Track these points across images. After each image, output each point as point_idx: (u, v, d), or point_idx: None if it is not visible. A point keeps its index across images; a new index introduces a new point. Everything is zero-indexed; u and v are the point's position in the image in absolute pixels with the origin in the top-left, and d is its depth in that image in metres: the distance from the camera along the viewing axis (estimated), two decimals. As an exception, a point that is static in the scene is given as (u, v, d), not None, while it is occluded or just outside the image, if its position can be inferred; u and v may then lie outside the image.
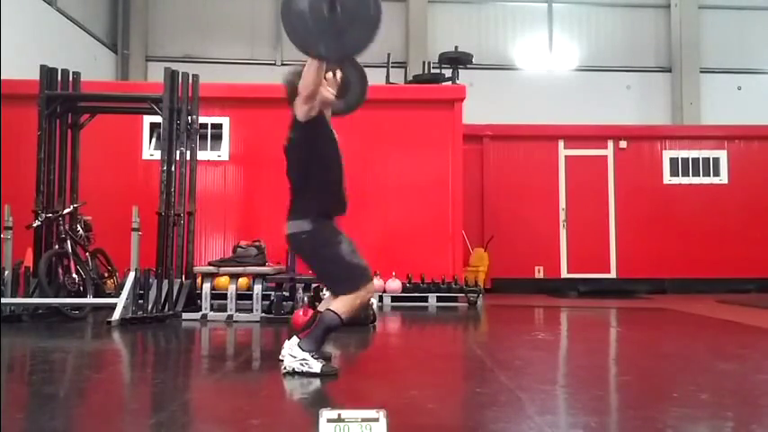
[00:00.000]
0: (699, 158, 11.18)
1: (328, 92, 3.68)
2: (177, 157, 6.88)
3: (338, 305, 3.62)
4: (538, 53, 14.89)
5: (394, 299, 8.32)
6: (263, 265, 6.70)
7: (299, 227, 3.69)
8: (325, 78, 3.63)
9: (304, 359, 3.57)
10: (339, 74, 3.82)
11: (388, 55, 11.56)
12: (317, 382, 3.44)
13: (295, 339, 3.63)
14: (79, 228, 6.85)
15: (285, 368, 3.60)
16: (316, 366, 3.55)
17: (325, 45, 3.27)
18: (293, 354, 3.60)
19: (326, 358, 3.75)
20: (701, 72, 14.64)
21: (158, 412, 3.03)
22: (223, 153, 8.66)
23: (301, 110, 3.63)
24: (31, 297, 6.34)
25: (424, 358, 4.65)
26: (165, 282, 6.51)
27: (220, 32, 14.37)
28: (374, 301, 6.80)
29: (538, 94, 14.07)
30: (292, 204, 3.81)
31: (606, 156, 11.16)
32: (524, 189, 10.87)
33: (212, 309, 6.59)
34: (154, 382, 3.64)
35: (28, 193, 6.76)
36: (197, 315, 6.50)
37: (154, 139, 8.60)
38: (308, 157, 3.74)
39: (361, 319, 5.86)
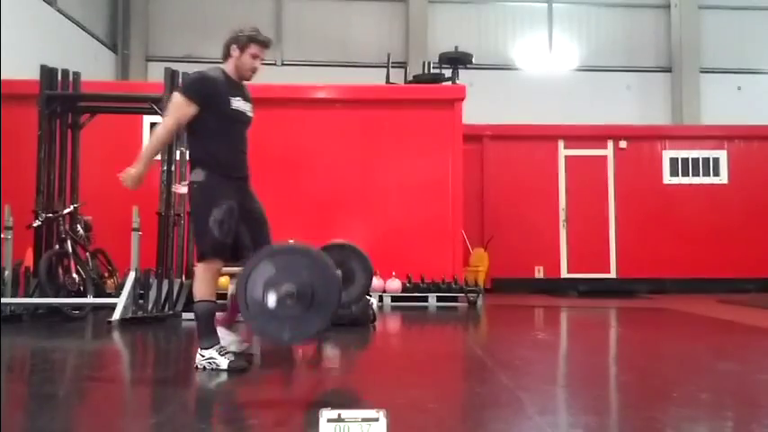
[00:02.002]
0: (699, 158, 11.18)
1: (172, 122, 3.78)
2: (177, 158, 6.87)
3: (195, 291, 3.78)
4: (538, 53, 14.90)
5: (394, 299, 8.31)
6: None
7: (194, 176, 3.80)
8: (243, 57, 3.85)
9: (211, 357, 3.68)
10: (257, 63, 3.92)
11: (388, 55, 11.56)
12: (317, 382, 3.44)
13: None
14: (79, 228, 6.84)
15: (196, 365, 3.73)
16: (223, 363, 3.65)
17: (290, 332, 3.17)
18: (201, 353, 3.72)
19: (248, 355, 3.89)
20: (701, 72, 14.65)
21: (158, 412, 3.03)
22: (223, 153, 8.65)
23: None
24: (31, 297, 6.34)
25: (424, 358, 4.65)
26: (165, 282, 6.51)
27: (220, 32, 14.13)
28: (374, 301, 6.80)
29: (538, 94, 14.07)
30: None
31: (606, 156, 11.16)
32: (524, 189, 10.87)
33: (212, 309, 6.57)
34: (154, 382, 3.64)
35: (28, 193, 6.76)
36: (197, 315, 6.49)
37: (154, 139, 8.58)
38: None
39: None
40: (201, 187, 3.73)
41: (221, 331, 3.87)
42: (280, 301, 2.96)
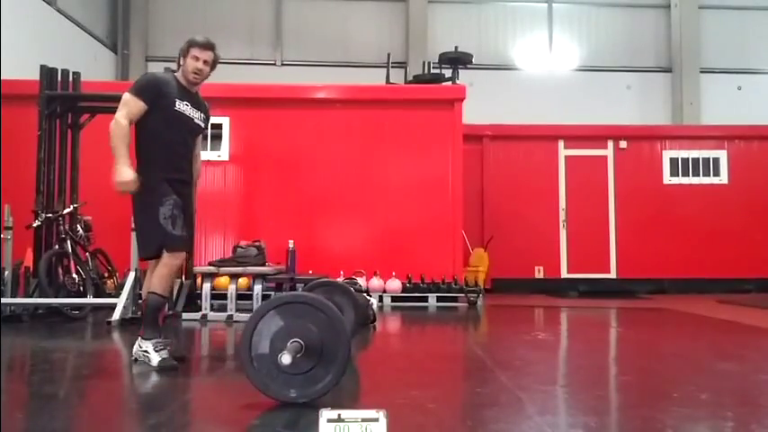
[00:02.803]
0: (699, 158, 11.19)
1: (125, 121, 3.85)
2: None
3: (155, 283, 3.85)
4: (538, 53, 14.89)
5: (394, 299, 8.32)
6: (263, 265, 6.70)
7: (138, 172, 3.87)
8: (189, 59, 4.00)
9: (146, 350, 3.80)
10: (199, 64, 4.02)
11: (388, 55, 11.56)
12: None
13: None
14: (79, 228, 6.85)
15: (132, 355, 3.86)
16: (154, 359, 3.75)
17: (298, 391, 2.94)
18: (140, 344, 3.83)
19: (179, 358, 3.92)
20: (701, 72, 14.64)
21: (158, 412, 3.03)
22: (223, 153, 8.66)
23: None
24: (31, 297, 6.34)
25: (424, 358, 4.65)
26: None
27: (220, 32, 14.32)
28: (374, 301, 6.80)
29: (538, 94, 14.08)
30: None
31: (606, 156, 11.16)
32: (524, 189, 10.87)
33: (212, 309, 6.59)
34: (154, 382, 3.64)
35: (28, 193, 6.76)
36: (197, 315, 6.50)
37: (154, 139, 8.59)
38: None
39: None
40: (144, 187, 3.83)
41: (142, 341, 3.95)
42: (293, 357, 2.77)
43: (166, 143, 3.94)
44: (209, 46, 4.04)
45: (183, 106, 3.98)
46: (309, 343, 2.86)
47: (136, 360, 3.86)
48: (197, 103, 4.12)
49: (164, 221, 3.80)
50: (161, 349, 3.80)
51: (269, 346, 2.89)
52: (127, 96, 3.88)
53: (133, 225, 4.14)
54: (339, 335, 2.91)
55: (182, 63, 4.04)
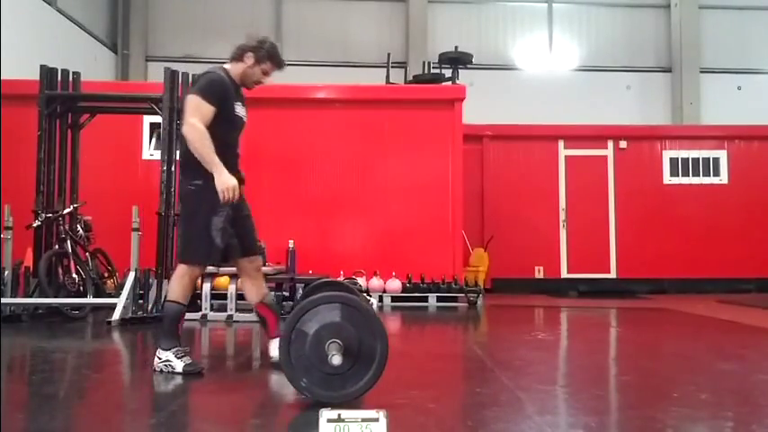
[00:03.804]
0: (699, 158, 11.18)
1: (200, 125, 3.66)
2: (177, 157, 6.87)
3: (171, 292, 3.72)
4: (538, 53, 14.90)
5: (394, 299, 8.32)
6: (263, 265, 6.66)
7: (193, 177, 3.70)
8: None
9: (167, 360, 3.65)
10: (264, 80, 3.94)
11: (388, 55, 11.57)
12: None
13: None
14: (79, 228, 6.85)
15: (153, 368, 3.68)
16: (178, 366, 3.62)
17: (338, 391, 2.89)
18: (159, 355, 3.68)
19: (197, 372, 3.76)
20: (701, 72, 14.64)
21: (158, 412, 3.03)
22: (223, 153, 8.65)
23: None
24: (31, 297, 6.33)
25: (424, 358, 4.65)
26: (165, 282, 6.50)
27: (220, 32, 14.34)
28: (374, 301, 6.80)
29: (538, 94, 14.07)
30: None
31: (606, 156, 11.16)
32: (524, 189, 10.87)
33: (212, 309, 6.59)
34: (154, 382, 3.64)
35: (28, 193, 6.76)
36: (197, 315, 6.49)
37: (154, 139, 8.60)
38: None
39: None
40: (201, 190, 3.66)
41: (274, 343, 3.83)
42: (336, 357, 2.75)
43: (225, 145, 3.75)
44: (283, 68, 3.95)
45: (239, 108, 3.86)
46: (348, 343, 2.84)
47: (160, 371, 3.67)
48: (243, 99, 3.98)
49: (214, 232, 3.66)
50: (182, 356, 3.68)
51: (308, 347, 2.85)
52: (196, 100, 3.67)
53: (181, 226, 3.93)
54: (377, 334, 2.90)
55: (246, 62, 3.83)
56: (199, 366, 3.72)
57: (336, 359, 2.74)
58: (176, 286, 3.72)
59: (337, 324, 2.87)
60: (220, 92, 3.73)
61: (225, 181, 3.57)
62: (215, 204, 3.62)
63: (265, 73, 3.88)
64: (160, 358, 3.67)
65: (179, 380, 3.58)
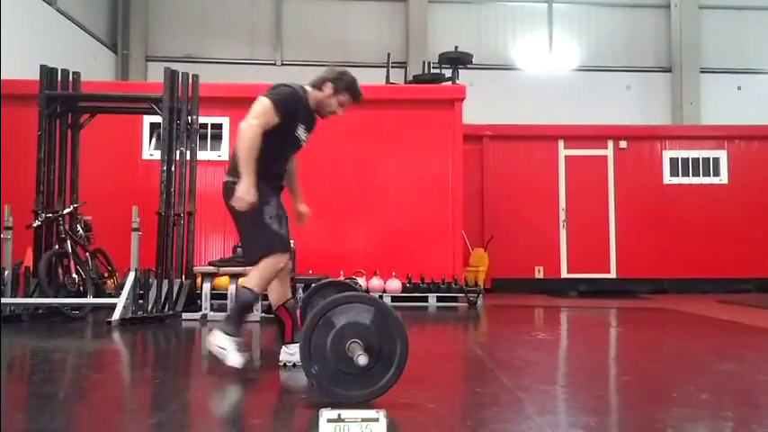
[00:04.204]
0: (699, 158, 11.18)
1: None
2: (177, 157, 6.88)
3: (250, 279, 3.69)
4: (538, 53, 14.90)
5: (394, 299, 8.30)
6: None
7: (234, 176, 3.69)
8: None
9: (223, 346, 3.59)
10: (340, 112, 3.99)
11: (388, 55, 11.57)
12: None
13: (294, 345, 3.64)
14: (79, 228, 6.85)
15: (207, 350, 3.64)
16: (233, 359, 3.55)
17: (358, 391, 2.88)
18: (217, 337, 3.61)
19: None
20: (701, 72, 14.65)
21: (158, 412, 3.03)
22: (223, 153, 8.65)
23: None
24: (31, 297, 6.33)
25: (424, 358, 4.64)
26: (165, 282, 6.51)
27: (220, 32, 14.38)
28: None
29: (538, 94, 14.08)
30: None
31: (606, 156, 11.16)
32: (524, 189, 10.87)
33: (212, 309, 6.59)
34: (154, 382, 3.64)
35: (28, 193, 6.76)
36: (197, 315, 6.49)
37: (154, 139, 8.60)
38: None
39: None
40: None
41: (286, 348, 3.80)
42: (362, 357, 2.73)
43: (276, 157, 3.80)
44: (359, 101, 4.02)
45: (301, 131, 3.87)
46: (367, 343, 2.83)
47: (210, 353, 3.62)
48: (312, 126, 4.01)
49: (269, 220, 3.68)
50: (242, 351, 3.62)
51: (330, 338, 2.84)
52: (267, 104, 3.66)
53: (239, 230, 3.88)
54: (396, 334, 2.90)
55: (325, 92, 3.88)
56: (251, 366, 3.65)
57: (362, 359, 2.73)
58: (255, 273, 3.68)
59: (365, 326, 2.85)
60: (291, 109, 3.75)
61: (247, 190, 3.55)
62: (262, 195, 3.63)
63: (342, 104, 3.93)
64: (217, 340, 3.60)
65: (179, 380, 3.58)
